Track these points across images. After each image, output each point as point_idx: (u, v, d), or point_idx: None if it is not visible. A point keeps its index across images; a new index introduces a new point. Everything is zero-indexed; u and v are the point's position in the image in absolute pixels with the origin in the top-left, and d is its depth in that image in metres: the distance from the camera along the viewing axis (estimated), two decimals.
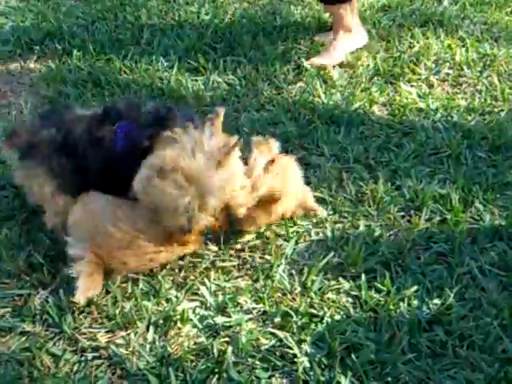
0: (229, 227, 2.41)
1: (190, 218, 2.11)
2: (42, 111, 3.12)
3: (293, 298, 2.19)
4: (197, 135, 2.12)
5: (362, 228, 2.47)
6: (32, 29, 4.07)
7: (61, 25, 4.07)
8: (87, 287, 2.12)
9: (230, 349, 1.99)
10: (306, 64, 3.51)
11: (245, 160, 2.30)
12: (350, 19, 3.59)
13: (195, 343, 2.05)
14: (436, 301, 2.17)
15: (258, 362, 1.97)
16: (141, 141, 2.18)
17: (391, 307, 2.13)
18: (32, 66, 3.72)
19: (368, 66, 3.54)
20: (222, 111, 2.23)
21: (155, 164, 2.08)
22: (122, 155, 2.23)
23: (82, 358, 2.02)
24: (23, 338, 2.09)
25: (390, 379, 1.92)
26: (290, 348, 2.01)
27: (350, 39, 3.64)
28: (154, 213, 2.14)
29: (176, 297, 2.19)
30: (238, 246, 2.42)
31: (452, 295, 2.17)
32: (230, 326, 2.09)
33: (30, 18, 4.23)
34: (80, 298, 2.10)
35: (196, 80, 3.46)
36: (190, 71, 3.53)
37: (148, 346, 2.04)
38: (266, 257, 2.36)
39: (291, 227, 2.47)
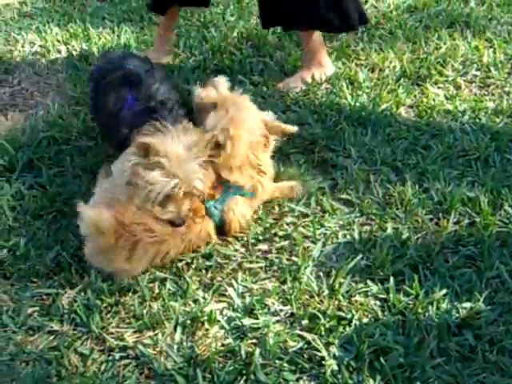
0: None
1: (178, 208, 2.25)
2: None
3: (320, 301, 2.18)
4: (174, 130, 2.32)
5: (389, 230, 2.45)
6: (58, 29, 4.10)
7: (87, 26, 4.10)
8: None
9: (257, 351, 1.98)
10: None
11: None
12: (324, 54, 3.52)
13: (223, 344, 2.04)
14: (465, 305, 2.15)
15: (285, 364, 1.96)
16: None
17: (420, 311, 2.11)
18: (59, 66, 3.74)
19: (394, 67, 3.52)
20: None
21: (140, 148, 2.24)
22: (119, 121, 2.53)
23: (110, 358, 2.03)
24: (51, 337, 2.10)
25: (418, 383, 1.90)
26: (318, 350, 1.99)
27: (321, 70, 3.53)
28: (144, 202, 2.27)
29: (203, 298, 2.19)
30: (265, 248, 2.41)
31: (481, 299, 2.15)
32: (258, 328, 2.08)
33: (56, 19, 4.27)
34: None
35: None
36: (216, 72, 3.52)
37: (175, 347, 2.04)
38: (294, 258, 2.35)
39: (318, 229, 2.46)
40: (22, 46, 3.96)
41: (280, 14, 3.30)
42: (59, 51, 3.87)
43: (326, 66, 3.47)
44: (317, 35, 3.38)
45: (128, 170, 2.27)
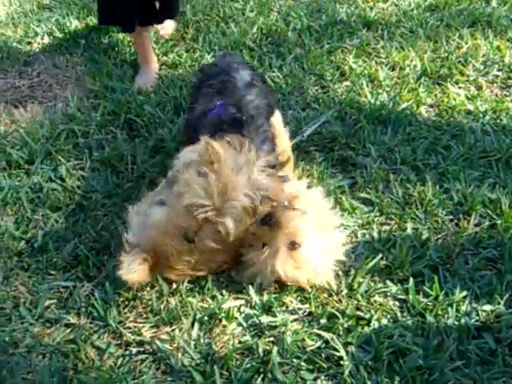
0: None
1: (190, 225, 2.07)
2: None
3: (339, 300, 2.16)
4: (250, 156, 2.12)
5: (409, 231, 2.42)
6: (78, 22, 4.10)
7: None
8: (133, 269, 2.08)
9: (275, 349, 1.97)
10: None
11: None
12: None
13: (240, 342, 2.04)
14: (485, 307, 2.12)
15: (303, 363, 1.95)
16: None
17: (439, 312, 2.09)
18: (78, 59, 3.75)
19: (415, 66, 3.49)
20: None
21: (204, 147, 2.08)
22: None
23: (127, 352, 2.03)
24: (68, 330, 2.10)
25: None
26: (336, 350, 1.98)
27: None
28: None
29: (221, 294, 2.18)
30: None
31: (502, 302, 2.12)
32: (276, 326, 2.07)
33: (75, 12, 4.27)
34: (124, 274, 2.07)
35: None
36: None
37: (193, 343, 2.03)
38: None
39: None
40: (42, 39, 3.97)
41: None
42: (78, 44, 3.87)
43: None
44: None
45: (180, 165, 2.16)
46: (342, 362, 1.95)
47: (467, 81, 3.40)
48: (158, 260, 2.12)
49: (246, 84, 2.51)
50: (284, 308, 2.14)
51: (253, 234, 2.12)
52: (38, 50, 3.86)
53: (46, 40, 3.95)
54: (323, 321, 2.08)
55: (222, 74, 2.58)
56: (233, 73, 2.56)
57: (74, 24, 4.08)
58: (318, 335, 2.04)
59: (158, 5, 3.37)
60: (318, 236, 2.20)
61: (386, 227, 2.46)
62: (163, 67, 3.58)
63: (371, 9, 4.17)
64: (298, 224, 2.14)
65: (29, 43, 3.94)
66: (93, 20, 4.10)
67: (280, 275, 2.14)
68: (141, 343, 2.04)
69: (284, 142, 2.52)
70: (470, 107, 3.16)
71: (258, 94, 2.49)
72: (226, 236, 2.05)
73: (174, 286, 2.21)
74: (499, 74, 3.47)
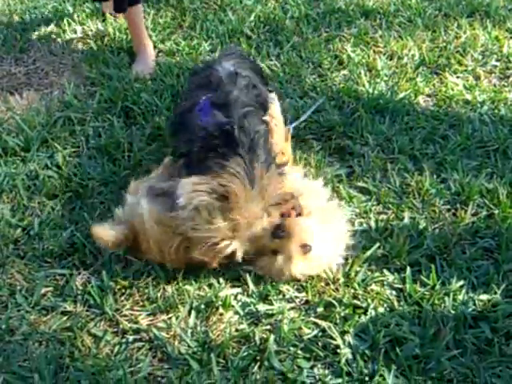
0: None
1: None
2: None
3: (336, 289, 2.16)
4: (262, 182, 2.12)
5: (406, 220, 2.42)
6: (74, 10, 4.07)
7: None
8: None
9: (272, 337, 1.97)
10: None
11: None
12: None
13: (237, 330, 2.03)
14: (482, 297, 2.13)
15: (300, 352, 1.95)
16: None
17: (436, 302, 2.09)
18: (74, 46, 3.72)
19: (413, 55, 3.48)
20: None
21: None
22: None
23: (123, 340, 2.02)
24: (64, 318, 2.09)
25: (434, 375, 1.89)
26: (333, 339, 1.98)
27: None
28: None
29: (218, 282, 2.18)
30: None
31: (499, 292, 2.13)
32: (272, 314, 2.07)
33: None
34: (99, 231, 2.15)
35: None
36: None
37: (189, 331, 2.03)
38: None
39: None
40: (38, 25, 3.93)
41: None
42: (75, 31, 3.84)
43: None
44: None
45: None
46: (338, 351, 1.95)
47: (465, 71, 3.39)
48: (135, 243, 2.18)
49: (230, 74, 2.47)
50: (281, 296, 2.14)
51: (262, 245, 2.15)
52: (34, 37, 3.82)
53: (43, 27, 3.92)
54: (320, 309, 2.08)
55: (206, 69, 2.59)
56: (215, 65, 2.55)
57: (71, 11, 4.05)
58: (315, 323, 2.04)
59: None
60: (325, 230, 2.20)
61: (384, 216, 2.46)
62: (160, 55, 3.56)
63: None
64: (306, 226, 2.15)
65: (24, 30, 3.90)
66: (89, 7, 4.07)
67: (298, 278, 2.16)
68: (137, 331, 2.04)
69: (280, 135, 2.50)
70: (468, 97, 3.16)
71: (244, 86, 2.44)
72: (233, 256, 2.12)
73: (171, 273, 2.20)
74: (497, 64, 3.47)
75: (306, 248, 2.11)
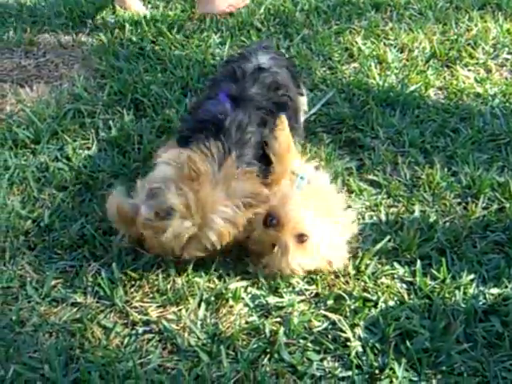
0: None
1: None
2: None
3: (346, 281, 2.15)
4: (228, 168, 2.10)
5: (416, 213, 2.41)
6: (84, 2, 4.07)
7: None
8: None
9: (281, 329, 1.97)
10: None
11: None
12: None
13: (247, 322, 2.03)
14: (492, 290, 2.11)
15: (309, 344, 1.95)
16: None
17: (446, 295, 2.08)
18: (84, 39, 3.73)
19: (424, 48, 3.46)
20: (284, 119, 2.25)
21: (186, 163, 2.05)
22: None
23: (133, 332, 2.02)
24: (74, 309, 2.09)
25: (444, 368, 1.88)
26: (343, 331, 1.97)
27: None
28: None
29: (228, 275, 2.17)
30: None
31: (510, 286, 2.12)
32: (283, 307, 2.06)
33: None
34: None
35: None
36: (243, 48, 3.49)
37: (199, 323, 2.02)
38: None
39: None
40: (48, 18, 3.94)
41: None
42: (85, 24, 3.85)
43: None
44: None
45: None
46: (348, 344, 1.95)
47: (476, 64, 3.37)
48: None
49: (255, 69, 2.45)
50: (291, 289, 2.13)
51: (260, 240, 2.14)
52: (44, 30, 3.83)
53: (53, 19, 3.92)
54: (330, 302, 2.07)
55: (238, 60, 2.56)
56: (250, 57, 2.53)
57: (81, 3, 4.05)
58: (325, 316, 2.04)
59: None
60: (326, 221, 2.18)
61: (394, 209, 2.45)
62: (172, 46, 3.55)
63: None
64: (301, 215, 2.12)
65: (34, 22, 3.91)
66: None
67: (297, 272, 2.14)
68: (147, 323, 2.04)
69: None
70: (479, 90, 3.14)
71: (266, 84, 2.40)
72: (213, 247, 2.08)
73: (181, 265, 2.20)
74: (509, 57, 3.45)
75: (302, 237, 2.09)
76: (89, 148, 2.77)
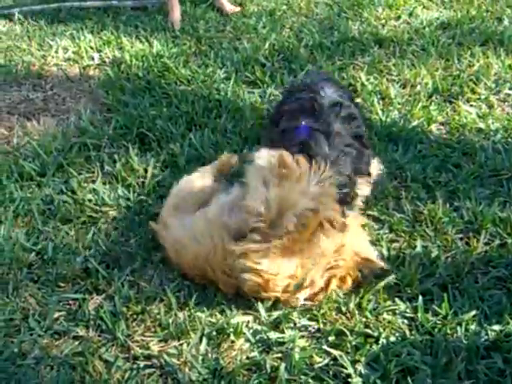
0: None
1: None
2: None
3: (347, 317, 2.15)
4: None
5: (418, 248, 2.42)
6: (92, 36, 4.15)
7: (119, 33, 4.14)
8: None
9: (282, 365, 1.97)
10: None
11: None
12: None
13: (248, 357, 2.03)
14: (495, 327, 2.11)
15: (310, 380, 1.95)
16: None
17: (448, 331, 2.08)
18: (91, 73, 3.78)
19: (427, 83, 3.49)
20: None
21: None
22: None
23: (134, 366, 2.03)
24: (76, 343, 2.11)
25: None
26: (344, 367, 1.97)
27: None
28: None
29: (230, 309, 2.18)
30: None
31: (511, 322, 2.11)
32: (284, 343, 2.06)
33: (89, 26, 4.32)
34: None
35: (253, 92, 3.46)
36: (247, 83, 3.55)
37: (200, 358, 2.03)
38: None
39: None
40: (56, 52, 4.01)
41: None
42: (92, 58, 3.91)
43: None
44: None
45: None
46: (349, 380, 1.94)
47: (478, 99, 3.40)
48: None
49: (333, 103, 2.55)
50: (292, 325, 2.14)
51: None
52: (51, 64, 3.90)
53: (60, 53, 3.99)
54: (331, 338, 2.07)
55: (306, 92, 2.62)
56: (318, 89, 2.61)
57: (88, 38, 4.13)
58: (326, 352, 2.04)
59: None
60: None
61: (396, 244, 2.46)
62: (177, 81, 3.59)
63: (383, 26, 4.19)
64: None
65: (43, 56, 3.98)
66: (106, 34, 4.14)
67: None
68: (148, 357, 2.04)
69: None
70: (481, 125, 3.16)
71: (345, 118, 2.54)
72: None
73: (183, 299, 2.21)
74: (511, 92, 3.47)
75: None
76: (94, 181, 2.80)
